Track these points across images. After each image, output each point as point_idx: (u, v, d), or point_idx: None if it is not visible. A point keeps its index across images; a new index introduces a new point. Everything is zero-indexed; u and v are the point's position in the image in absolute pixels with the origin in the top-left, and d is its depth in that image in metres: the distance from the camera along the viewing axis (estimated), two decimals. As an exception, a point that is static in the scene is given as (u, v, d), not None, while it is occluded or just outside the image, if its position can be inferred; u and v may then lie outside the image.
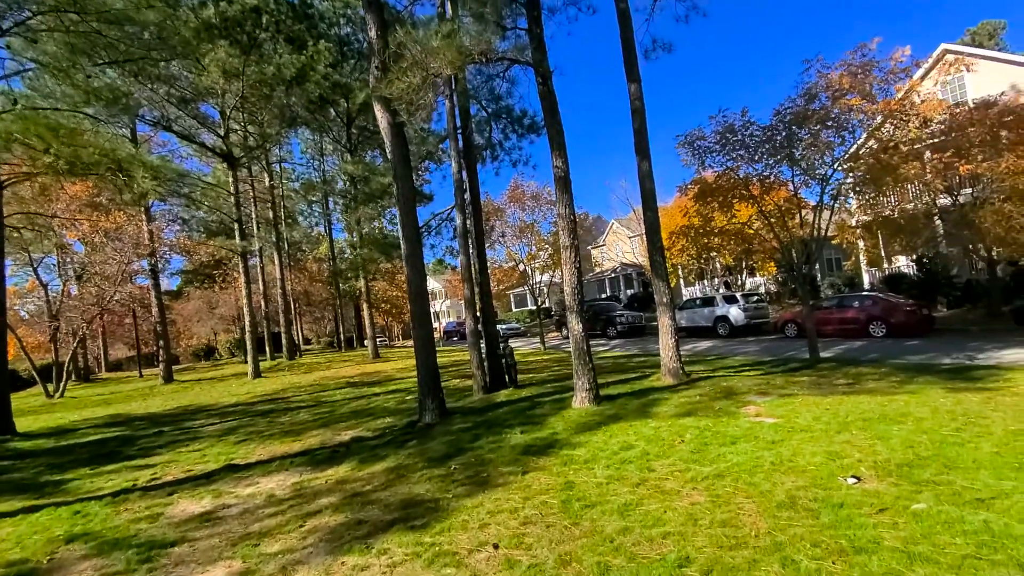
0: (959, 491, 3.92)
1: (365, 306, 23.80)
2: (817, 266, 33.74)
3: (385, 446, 7.28)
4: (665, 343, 10.23)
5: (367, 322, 24.00)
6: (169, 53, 14.32)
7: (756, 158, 12.54)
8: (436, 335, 55.96)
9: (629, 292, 44.39)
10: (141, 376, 29.25)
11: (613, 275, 46.51)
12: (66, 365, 21.43)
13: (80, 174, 10.63)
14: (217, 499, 5.73)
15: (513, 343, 31.13)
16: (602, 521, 4.00)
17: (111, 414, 14.20)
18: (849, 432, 5.67)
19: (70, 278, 27.50)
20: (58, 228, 18.79)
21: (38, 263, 21.47)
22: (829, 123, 11.83)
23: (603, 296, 45.58)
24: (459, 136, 10.98)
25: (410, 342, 50.97)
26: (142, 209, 21.82)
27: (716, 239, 14.41)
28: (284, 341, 27.24)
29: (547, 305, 53.38)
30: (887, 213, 18.73)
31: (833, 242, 22.35)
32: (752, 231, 13.37)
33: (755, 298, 23.79)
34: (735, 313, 22.27)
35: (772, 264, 27.34)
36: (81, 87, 9.42)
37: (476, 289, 10.81)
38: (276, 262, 28.23)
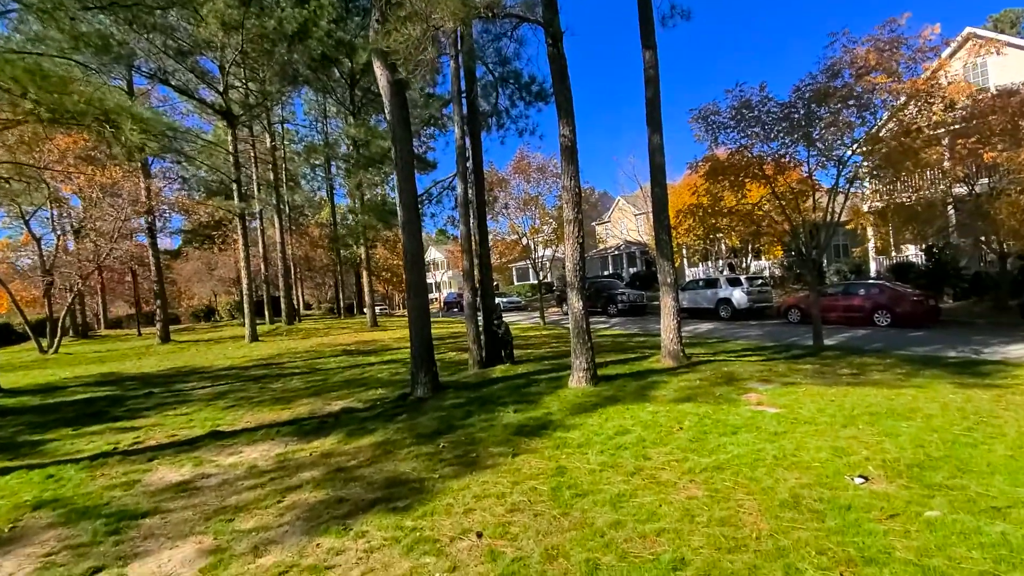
0: (974, 498, 3.68)
1: (364, 273, 23.52)
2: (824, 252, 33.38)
3: (375, 419, 7.08)
4: (667, 324, 9.97)
5: (366, 290, 23.76)
6: (165, 0, 13.71)
7: (772, 136, 12.04)
8: (435, 306, 55.91)
9: (632, 270, 44.04)
10: (140, 335, 29.19)
11: (617, 252, 46.06)
12: (60, 321, 21.28)
13: (65, 124, 10.18)
14: (197, 467, 5.55)
15: (513, 317, 30.95)
16: (593, 512, 3.78)
17: (103, 373, 14.08)
18: (855, 427, 5.43)
19: (67, 233, 27.17)
20: (51, 180, 18.36)
21: (30, 215, 21.06)
22: (851, 102, 11.30)
23: (605, 273, 45.26)
24: (463, 100, 10.50)
25: (410, 311, 51.15)
26: (139, 165, 21.33)
27: (724, 220, 13.98)
28: (283, 306, 27.06)
29: (548, 280, 53.24)
30: (902, 199, 18.21)
31: (848, 227, 21.84)
32: (762, 213, 12.94)
33: (759, 282, 23.45)
34: (738, 296, 21.97)
35: (779, 248, 26.92)
36: (67, 31, 8.91)
37: (475, 261, 10.49)
38: (276, 225, 27.83)
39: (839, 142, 11.53)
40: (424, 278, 8.43)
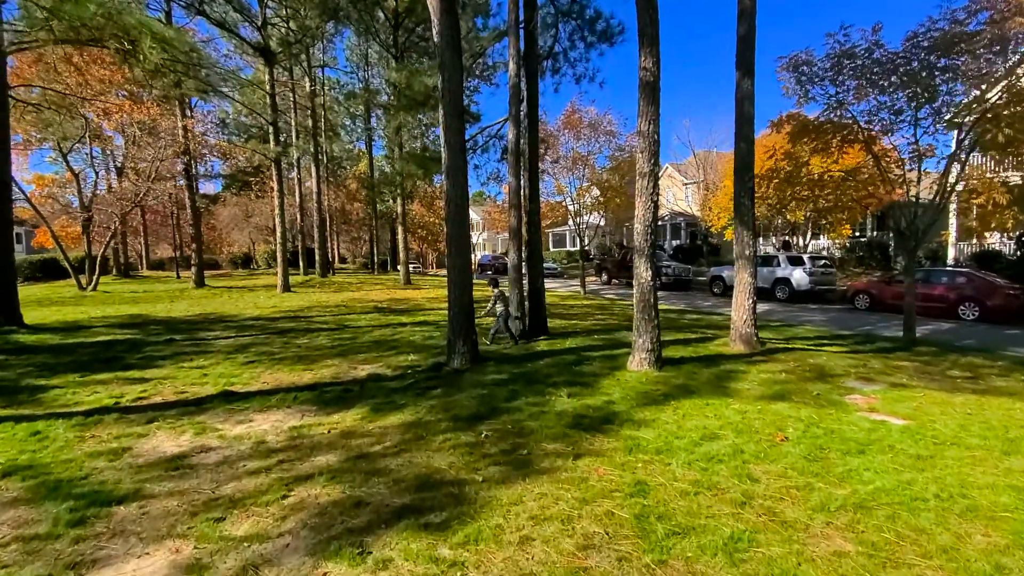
0: None
1: (400, 228, 22.61)
2: (891, 234, 30.70)
3: (405, 391, 6.14)
4: (740, 303, 8.65)
5: (401, 246, 22.91)
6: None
7: (883, 90, 10.24)
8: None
9: (675, 243, 41.96)
10: (179, 277, 29.38)
11: (661, 223, 43.87)
12: (98, 259, 21.25)
13: (84, 41, 9.34)
14: (198, 437, 4.72)
15: (550, 284, 29.78)
16: (703, 565, 2.70)
17: (132, 314, 13.71)
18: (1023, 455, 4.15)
19: (109, 171, 27.19)
20: (87, 112, 17.87)
21: (68, 150, 20.81)
22: (980, 51, 9.39)
23: (646, 244, 43.28)
24: (520, 31, 9.11)
25: (443, 271, 50.26)
26: (177, 104, 20.69)
27: (806, 188, 12.28)
28: (318, 257, 26.61)
29: (586, 248, 51.60)
30: (1007, 177, 15.92)
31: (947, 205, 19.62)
32: (857, 182, 11.21)
33: (822, 262, 21.53)
34: (799, 276, 20.21)
35: (847, 227, 24.68)
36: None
37: (524, 218, 9.31)
38: (314, 175, 27.08)
39: (965, 100, 9.68)
40: (468, 233, 7.33)
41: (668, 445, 4.32)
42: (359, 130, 39.45)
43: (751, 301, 8.56)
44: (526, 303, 9.36)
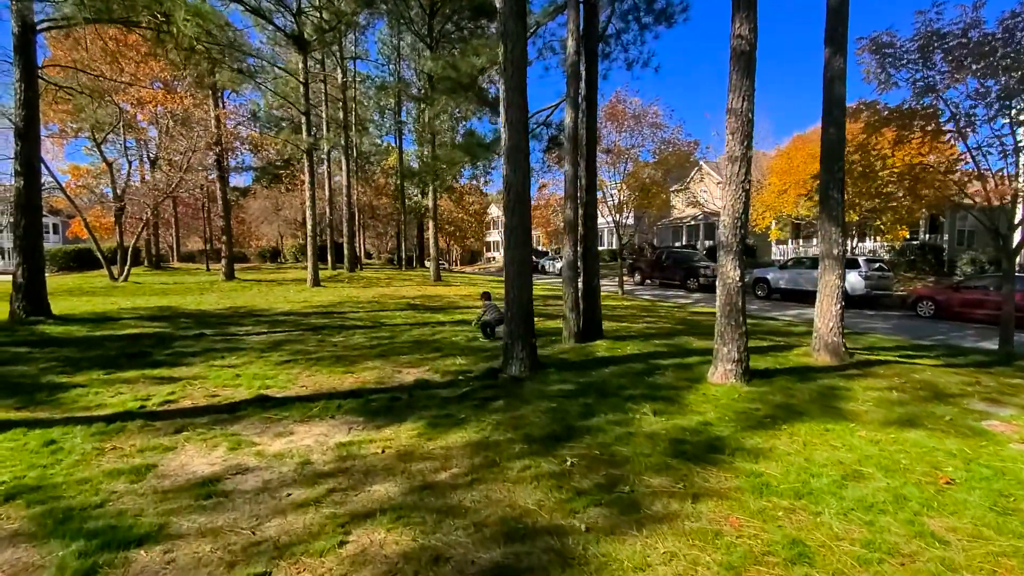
0: None
1: (430, 223, 21.98)
2: (946, 237, 28.99)
3: (460, 401, 5.40)
4: (825, 309, 7.69)
5: (431, 241, 22.29)
6: None
7: (978, 74, 9.17)
8: (496, 265, 54.38)
9: (708, 243, 40.61)
10: (208, 270, 29.30)
11: (693, 222, 42.61)
12: (130, 249, 21.13)
13: (116, 20, 8.87)
14: (233, 453, 4.04)
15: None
16: None
17: (161, 306, 13.31)
18: None
19: (143, 161, 27.21)
20: (121, 102, 17.66)
21: (102, 139, 20.70)
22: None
23: (676, 245, 42.08)
24: (580, 5, 8.29)
25: (470, 268, 49.65)
26: (210, 93, 20.40)
27: (887, 184, 11.20)
28: (346, 252, 26.18)
29: (615, 247, 50.37)
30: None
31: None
32: (949, 178, 10.11)
33: (877, 265, 20.21)
34: (854, 280, 18.92)
35: (903, 228, 23.21)
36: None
37: (580, 210, 8.49)
38: (344, 168, 26.66)
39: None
40: (529, 224, 6.54)
41: (805, 486, 3.47)
42: (387, 125, 39.11)
43: (839, 307, 7.59)
44: (581, 304, 8.53)
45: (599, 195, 24.31)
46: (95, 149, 21.60)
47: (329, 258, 27.62)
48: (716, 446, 4.17)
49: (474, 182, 37.11)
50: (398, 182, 36.64)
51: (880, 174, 11.16)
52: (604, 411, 5.01)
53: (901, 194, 12.07)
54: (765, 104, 62.06)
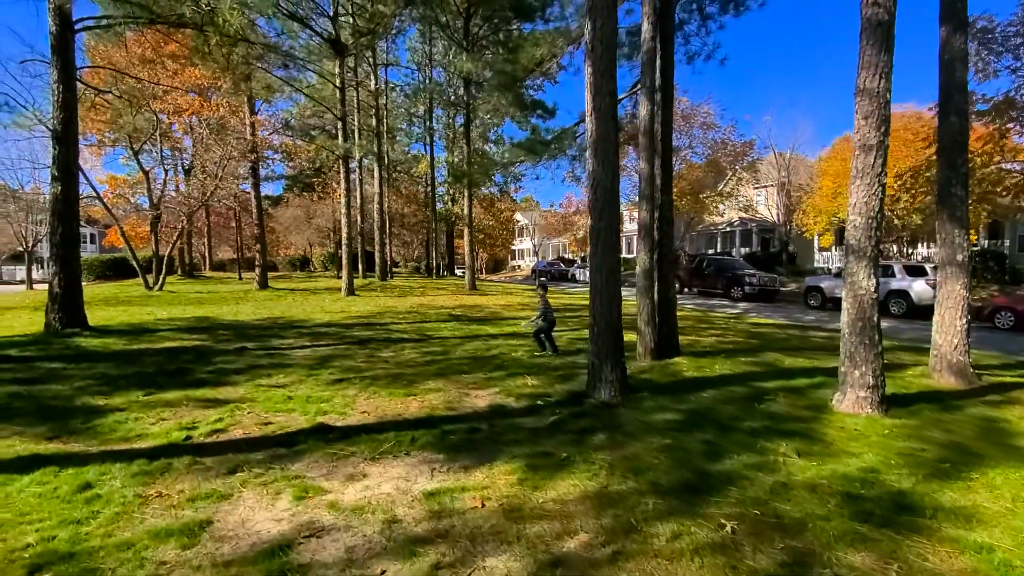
0: None
1: (466, 230, 21.33)
2: (1007, 243, 27.24)
3: (552, 434, 4.58)
4: (948, 323, 6.68)
5: (466, 249, 21.62)
6: None
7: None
8: (522, 273, 53.59)
9: (744, 250, 39.14)
10: (240, 279, 29.21)
11: (729, 229, 41.13)
12: (166, 258, 20.97)
13: (158, 19, 8.46)
14: (301, 504, 3.30)
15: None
16: None
17: (198, 316, 12.85)
18: None
19: (177, 172, 27.29)
20: (158, 111, 17.51)
21: (139, 148, 20.64)
22: None
23: (711, 252, 40.70)
24: (657, -13, 7.49)
25: (495, 276, 48.85)
26: (245, 100, 20.19)
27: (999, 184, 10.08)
28: (378, 260, 25.73)
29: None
30: None
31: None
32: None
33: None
34: (919, 289, 17.55)
35: (971, 233, 21.77)
36: None
37: (656, 212, 7.64)
38: (376, 175, 26.29)
39: None
40: (619, 224, 5.73)
41: (1076, 574, 2.55)
42: (416, 132, 38.84)
43: (964, 322, 6.58)
44: (657, 317, 7.66)
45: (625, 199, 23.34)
46: (132, 159, 21.60)
47: (360, 266, 27.21)
48: (905, 504, 3.27)
49: (503, 189, 36.46)
50: (428, 189, 36.25)
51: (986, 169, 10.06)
52: (733, 451, 4.14)
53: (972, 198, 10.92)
54: (812, 107, 59.93)
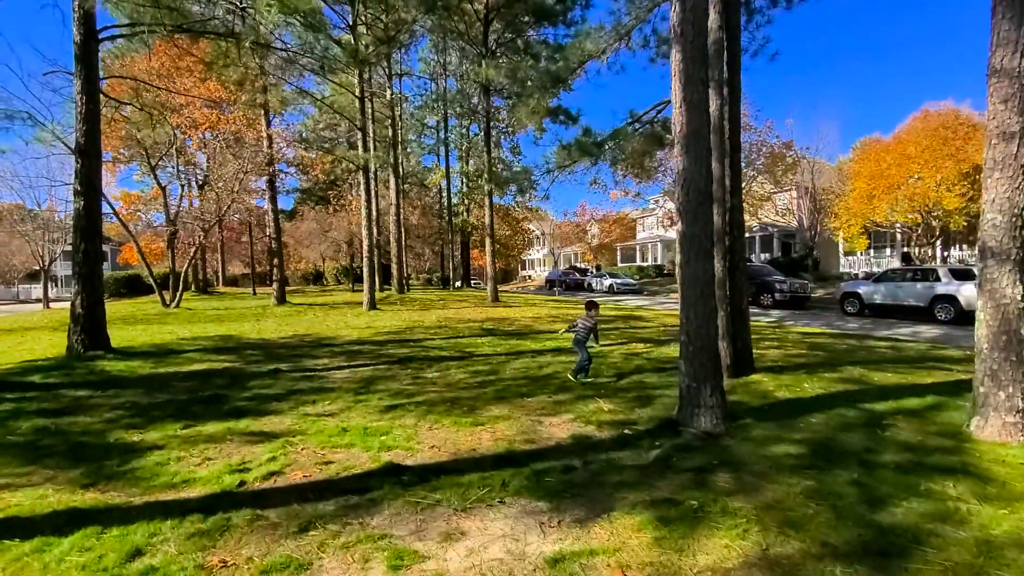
0: None
1: (487, 240, 20.78)
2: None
3: (661, 473, 3.93)
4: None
5: (488, 260, 21.05)
6: None
7: None
8: (534, 283, 52.96)
9: (764, 256, 38.35)
10: (255, 294, 28.79)
11: (748, 235, 40.32)
12: (183, 275, 20.56)
13: (187, 29, 8.04)
14: (399, 577, 2.67)
15: (635, 300, 27.18)
16: None
17: (222, 335, 12.32)
18: None
19: (192, 189, 27.01)
20: (174, 121, 17.16)
21: (156, 163, 20.33)
22: None
23: (729, 259, 39.75)
24: (722, -26, 6.94)
25: (508, 287, 48.22)
26: (262, 113, 19.86)
27: None
28: (395, 273, 25.25)
29: (659, 263, 48.39)
30: None
31: None
32: None
33: (993, 276, 17.87)
34: (968, 293, 16.70)
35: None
36: None
37: (726, 216, 7.02)
38: (392, 187, 25.86)
39: None
40: (712, 231, 5.12)
41: None
42: (429, 144, 38.59)
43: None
44: (731, 330, 7.01)
45: (653, 206, 22.56)
46: (147, 174, 21.31)
47: (376, 279, 26.74)
48: None
49: (520, 197, 36.04)
50: (441, 200, 35.88)
51: None
52: (895, 495, 3.47)
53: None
54: (834, 111, 59.09)
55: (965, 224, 19.64)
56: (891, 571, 2.65)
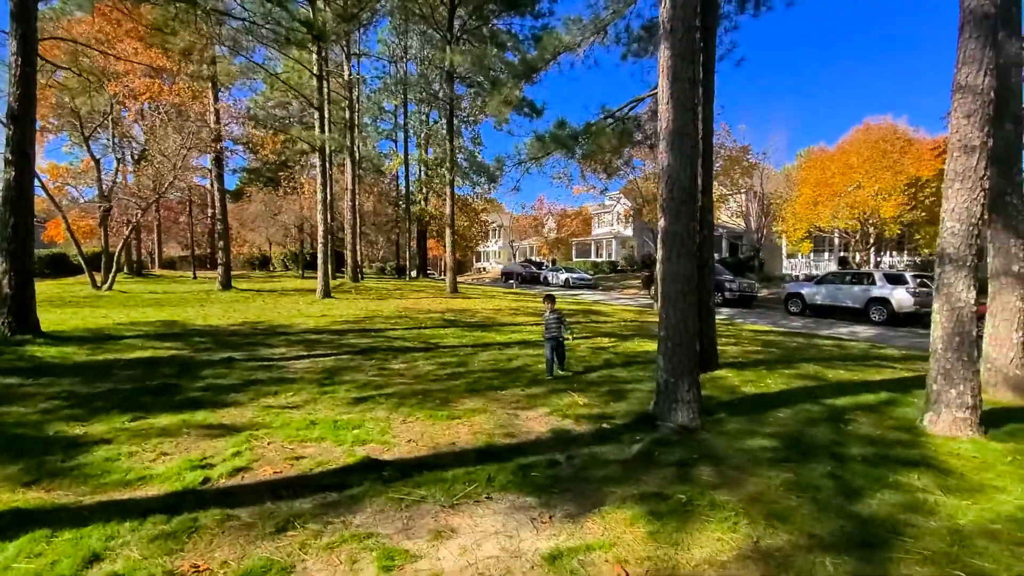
0: None
1: (447, 231, 20.46)
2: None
3: (645, 467, 3.95)
4: (1003, 337, 6.45)
5: (448, 250, 20.74)
6: None
7: None
8: (489, 275, 52.83)
9: (715, 256, 39.81)
10: (195, 278, 27.19)
11: (698, 235, 41.68)
12: (116, 255, 19.11)
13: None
14: (392, 579, 2.54)
15: (591, 296, 27.59)
16: None
17: (164, 320, 11.53)
18: None
19: (126, 163, 25.09)
20: (111, 91, 15.82)
21: (90, 134, 18.73)
22: None
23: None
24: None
25: (462, 278, 47.99)
26: (210, 86, 18.65)
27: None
28: (349, 261, 24.49)
29: (612, 259, 49.34)
30: None
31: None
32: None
33: (921, 281, 19.37)
34: (900, 296, 17.95)
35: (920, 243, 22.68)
36: None
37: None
38: (348, 171, 24.98)
39: None
40: (696, 226, 5.18)
41: None
42: (387, 129, 37.57)
43: (1021, 335, 6.38)
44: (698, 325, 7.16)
45: (611, 202, 22.92)
46: (76, 146, 19.60)
47: (329, 267, 25.87)
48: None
49: (483, 188, 35.78)
50: (397, 188, 35.00)
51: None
52: (868, 487, 3.62)
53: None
54: (776, 116, 61.85)
55: (899, 232, 21.07)
56: (876, 561, 2.75)
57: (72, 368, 6.78)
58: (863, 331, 15.57)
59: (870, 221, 21.17)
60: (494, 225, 55.22)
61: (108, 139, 20.74)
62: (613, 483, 3.68)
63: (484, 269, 64.04)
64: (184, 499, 3.30)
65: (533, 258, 55.75)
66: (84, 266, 18.50)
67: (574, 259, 52.38)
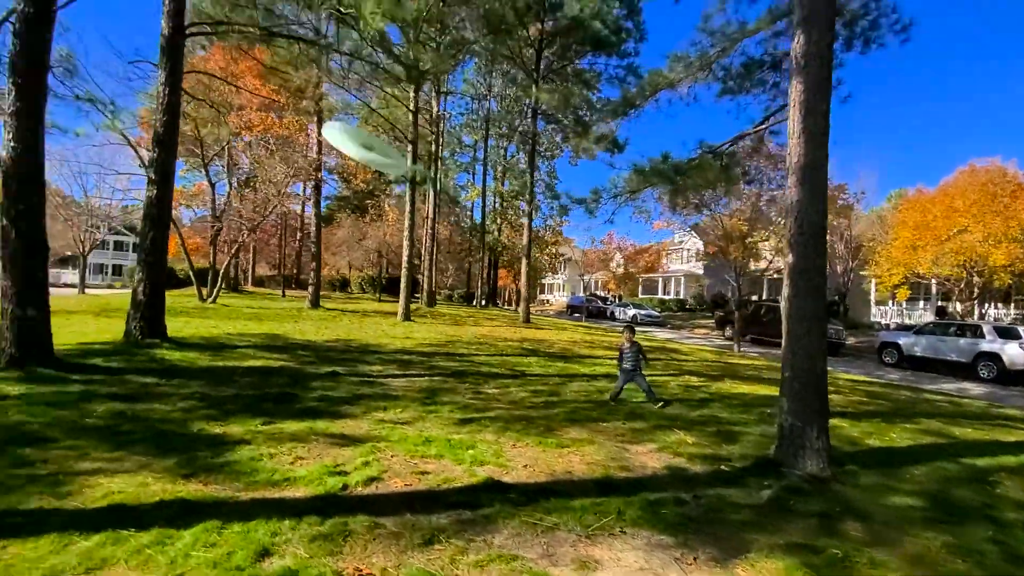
0: None
1: (524, 261, 20.78)
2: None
3: (781, 515, 3.73)
4: None
5: (523, 280, 21.04)
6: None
7: None
8: (553, 308, 52.68)
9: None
10: (284, 296, 29.00)
11: (777, 276, 39.79)
12: (222, 271, 20.81)
13: (278, 33, 8.25)
14: (549, 604, 2.51)
15: (662, 334, 26.80)
16: None
17: (266, 333, 12.33)
18: None
19: (233, 187, 27.52)
20: (230, 122, 17.57)
21: (210, 160, 20.78)
22: None
23: (753, 298, 39.32)
24: None
25: (533, 308, 48.15)
26: (315, 119, 20.28)
27: None
28: (425, 287, 25.31)
29: (682, 297, 47.89)
30: None
31: None
32: None
33: (1040, 335, 17.36)
34: (1013, 352, 16.18)
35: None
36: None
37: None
38: (430, 201, 26.13)
39: None
40: (824, 265, 4.98)
41: None
42: (464, 162, 39.13)
43: None
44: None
45: (683, 239, 22.16)
46: (193, 170, 21.79)
47: (409, 291, 26.93)
48: None
49: (550, 221, 36.22)
50: (473, 217, 36.10)
51: None
52: (1050, 561, 3.23)
53: None
54: (862, 155, 58.55)
55: (1010, 282, 19.16)
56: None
57: (197, 372, 7.37)
58: (972, 388, 14.17)
59: (976, 269, 19.39)
60: (563, 258, 55.33)
61: (222, 166, 22.86)
62: (751, 529, 3.49)
63: (548, 301, 64.01)
64: (329, 503, 3.46)
65: (598, 292, 55.21)
66: (193, 280, 20.27)
67: (640, 295, 51.34)
